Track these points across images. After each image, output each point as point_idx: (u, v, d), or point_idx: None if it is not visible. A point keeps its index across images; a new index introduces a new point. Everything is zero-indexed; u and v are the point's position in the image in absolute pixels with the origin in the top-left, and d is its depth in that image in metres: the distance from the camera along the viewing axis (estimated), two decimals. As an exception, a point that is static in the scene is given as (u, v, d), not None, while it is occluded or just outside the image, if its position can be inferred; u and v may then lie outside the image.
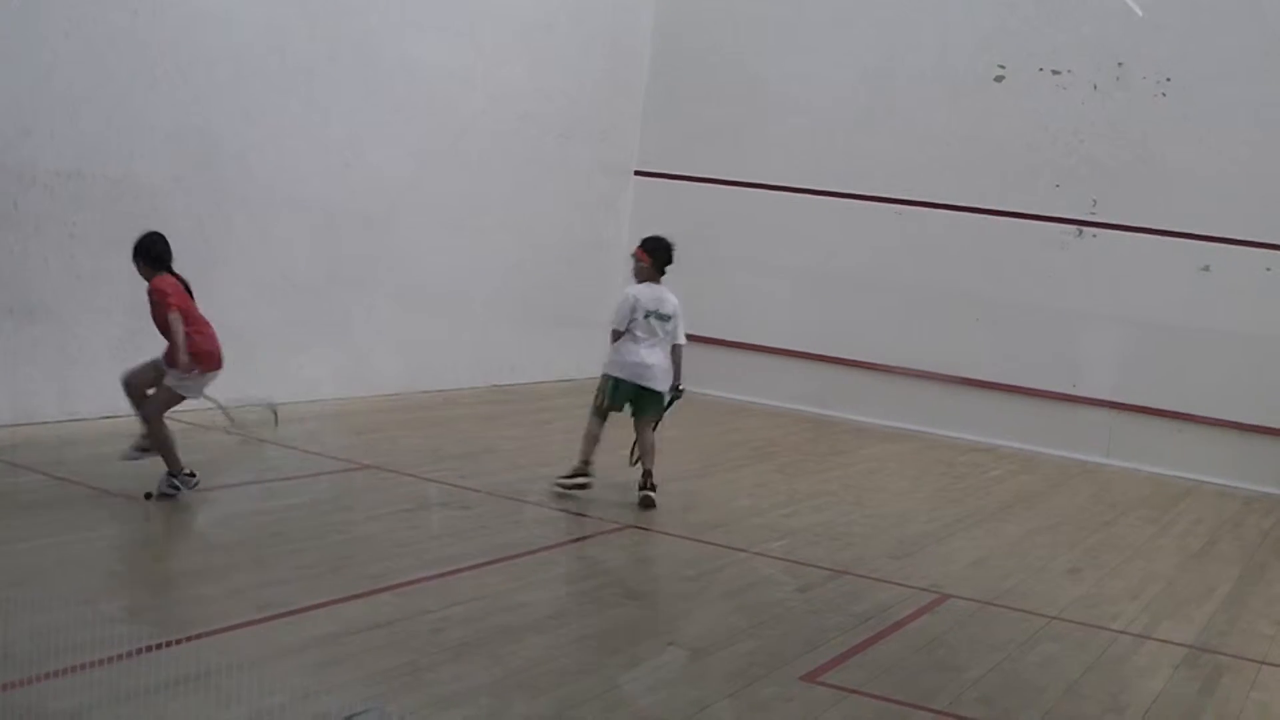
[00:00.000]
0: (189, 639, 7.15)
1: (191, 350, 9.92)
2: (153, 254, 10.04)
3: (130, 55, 12.48)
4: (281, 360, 14.07)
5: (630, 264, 12.37)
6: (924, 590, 9.85)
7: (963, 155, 17.75)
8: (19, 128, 11.66)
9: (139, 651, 6.90)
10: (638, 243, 12.46)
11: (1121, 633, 9.53)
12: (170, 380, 10.03)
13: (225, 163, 13.46)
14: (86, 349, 12.22)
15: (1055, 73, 17.34)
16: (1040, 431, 17.22)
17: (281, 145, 14.07)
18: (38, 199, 11.89)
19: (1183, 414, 16.76)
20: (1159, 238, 16.82)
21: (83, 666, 6.71)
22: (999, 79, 17.65)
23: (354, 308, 15.27)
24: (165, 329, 9.96)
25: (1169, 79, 16.86)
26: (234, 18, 13.43)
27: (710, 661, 7.96)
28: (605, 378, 12.03)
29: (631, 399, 12.01)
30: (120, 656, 6.84)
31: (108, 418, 12.12)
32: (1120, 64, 17.08)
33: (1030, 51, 17.51)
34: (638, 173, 19.98)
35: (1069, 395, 17.11)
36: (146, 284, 10.03)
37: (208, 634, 7.38)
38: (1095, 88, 17.20)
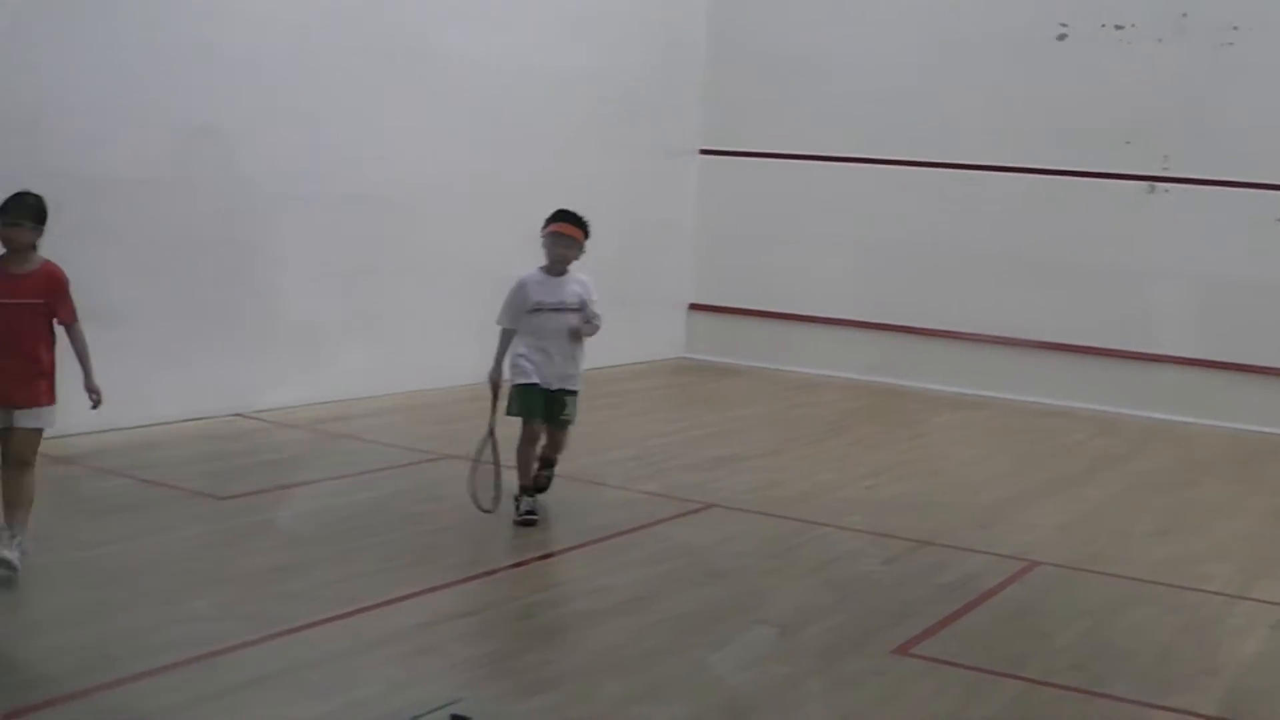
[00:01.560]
0: (277, 635, 7.19)
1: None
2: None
3: (192, 61, 12.53)
4: (354, 354, 14.13)
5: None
6: (1010, 558, 9.79)
7: (1028, 117, 17.56)
8: (90, 137, 11.73)
9: (229, 649, 6.95)
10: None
11: (1214, 594, 9.42)
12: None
13: (288, 160, 13.50)
14: (164, 352, 12.29)
15: (1118, 28, 17.16)
16: (1119, 392, 17.06)
17: (341, 139, 14.09)
18: (111, 206, 11.98)
19: (1264, 367, 16.58)
20: (1232, 190, 16.60)
21: (174, 665, 6.77)
22: (1061, 37, 17.49)
23: (424, 299, 15.27)
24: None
25: (1235, 27, 16.67)
26: (289, 17, 13.47)
27: (798, 637, 7.95)
28: None
29: None
30: (210, 654, 6.90)
31: (188, 420, 12.23)
32: (1184, 15, 16.89)
33: (1092, 8, 17.32)
34: (703, 151, 19.92)
35: (1147, 354, 16.93)
36: (36, 264, 8.38)
37: (296, 629, 7.43)
38: (1159, 41, 17.01)
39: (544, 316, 10.34)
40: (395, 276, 14.89)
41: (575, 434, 13.63)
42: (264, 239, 13.30)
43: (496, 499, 9.93)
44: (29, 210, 8.15)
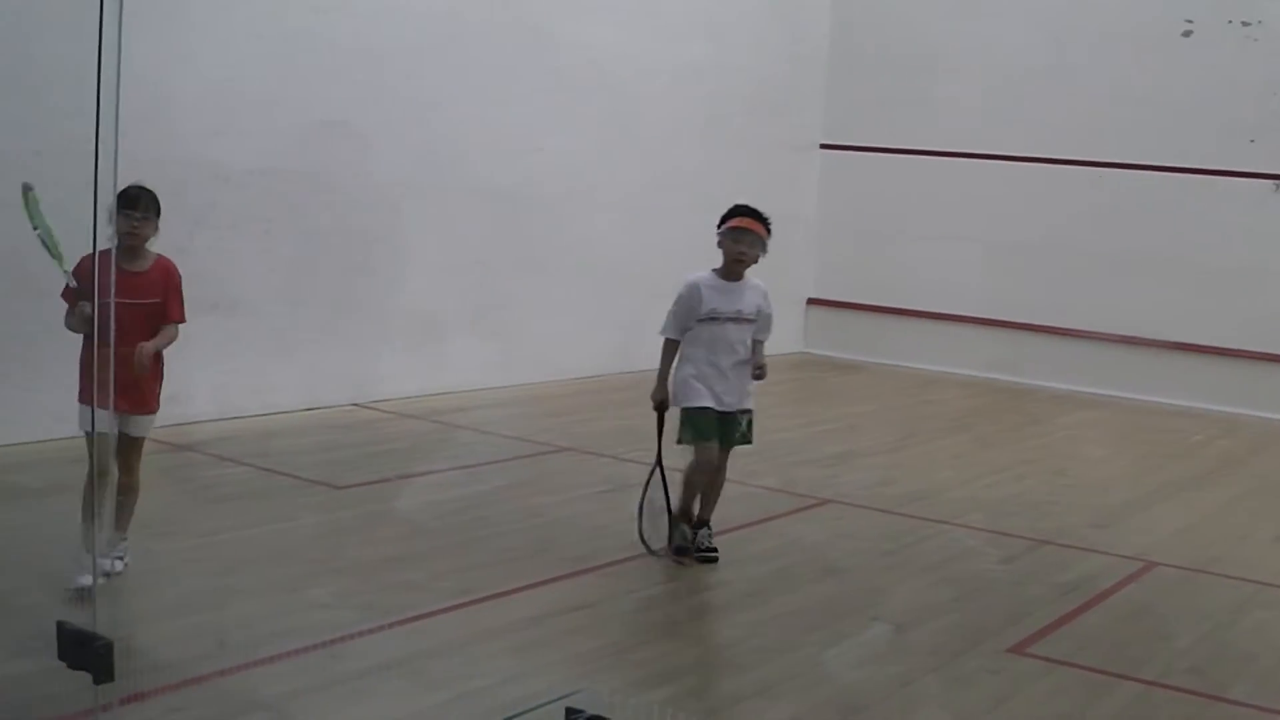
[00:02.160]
0: (394, 624, 7.24)
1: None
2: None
3: (313, 52, 12.66)
4: (473, 347, 14.22)
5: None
6: (1129, 559, 9.70)
7: (1151, 114, 17.36)
8: (211, 128, 11.88)
9: (346, 637, 7.01)
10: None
11: (1337, 597, 9.32)
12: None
13: (409, 152, 13.60)
14: (284, 342, 12.43)
15: (1245, 24, 16.95)
16: (1241, 393, 16.85)
17: (466, 131, 14.17)
18: (233, 197, 12.13)
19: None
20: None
21: (292, 653, 6.84)
22: (1187, 34, 17.29)
23: (543, 292, 15.34)
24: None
25: (1364, 24, 16.45)
26: (412, 8, 13.55)
27: (914, 635, 7.91)
28: None
29: None
30: (327, 642, 6.96)
31: (307, 410, 12.35)
32: (1313, 11, 16.66)
33: (1218, 4, 17.12)
34: (824, 146, 19.87)
35: (1271, 354, 16.70)
36: (150, 259, 8.02)
37: (413, 619, 7.48)
38: (1287, 38, 16.81)
39: (719, 327, 9.10)
40: (514, 268, 14.96)
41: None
42: (384, 230, 13.41)
43: (670, 541, 8.99)
44: (155, 203, 7.84)
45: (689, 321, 9.10)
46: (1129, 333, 17.33)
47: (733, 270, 9.31)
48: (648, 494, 9.03)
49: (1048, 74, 18.10)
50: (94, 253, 6.85)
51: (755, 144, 18.55)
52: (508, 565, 8.66)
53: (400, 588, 7.95)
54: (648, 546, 8.94)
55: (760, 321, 9.35)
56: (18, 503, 9.37)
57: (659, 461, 9.11)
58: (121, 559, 7.80)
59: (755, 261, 9.42)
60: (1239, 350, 16.87)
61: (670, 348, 9.20)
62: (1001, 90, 18.38)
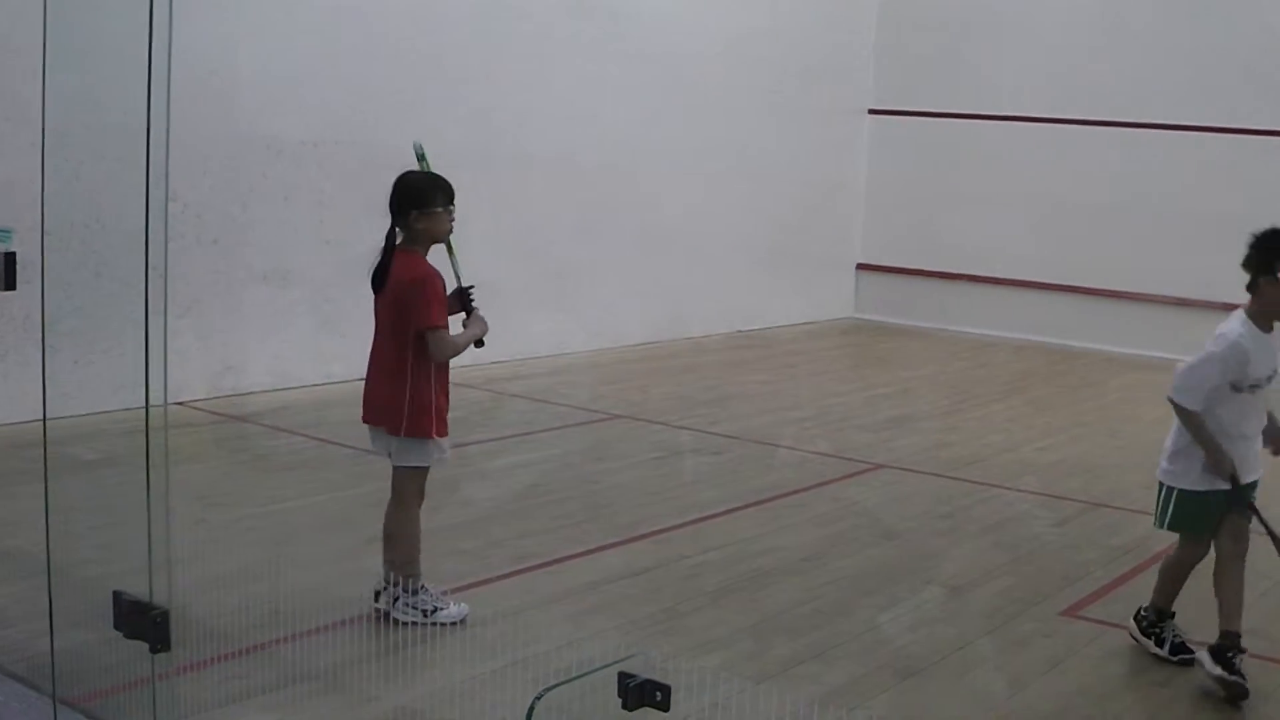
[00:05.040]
0: (451, 591, 7.27)
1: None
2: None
3: (362, 24, 12.70)
4: (528, 315, 14.25)
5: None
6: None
7: (1205, 73, 17.23)
8: (262, 99, 11.93)
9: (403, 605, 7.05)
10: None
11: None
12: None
13: (461, 121, 13.62)
14: (339, 312, 12.48)
15: (1300, -19, 16.83)
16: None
17: (521, 100, 14.20)
18: (286, 168, 12.22)
19: None
20: None
21: (349, 621, 6.90)
22: (1248, -9, 17.19)
23: (597, 260, 15.38)
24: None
25: None
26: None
27: (968, 599, 7.91)
28: None
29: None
30: (382, 612, 7.00)
31: (361, 379, 12.40)
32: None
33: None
34: (873, 111, 19.83)
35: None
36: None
37: (469, 586, 7.52)
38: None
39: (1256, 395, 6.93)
40: (568, 237, 15.00)
41: (749, 392, 13.67)
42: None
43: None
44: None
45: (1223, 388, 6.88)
46: (1181, 294, 17.20)
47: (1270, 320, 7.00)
48: None
49: (1098, 34, 18.00)
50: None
51: (805, 110, 18.55)
52: (562, 532, 8.70)
53: (456, 555, 7.99)
54: None
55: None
56: (75, 474, 9.43)
57: None
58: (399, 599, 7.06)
59: None
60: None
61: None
62: (1050, 52, 18.30)
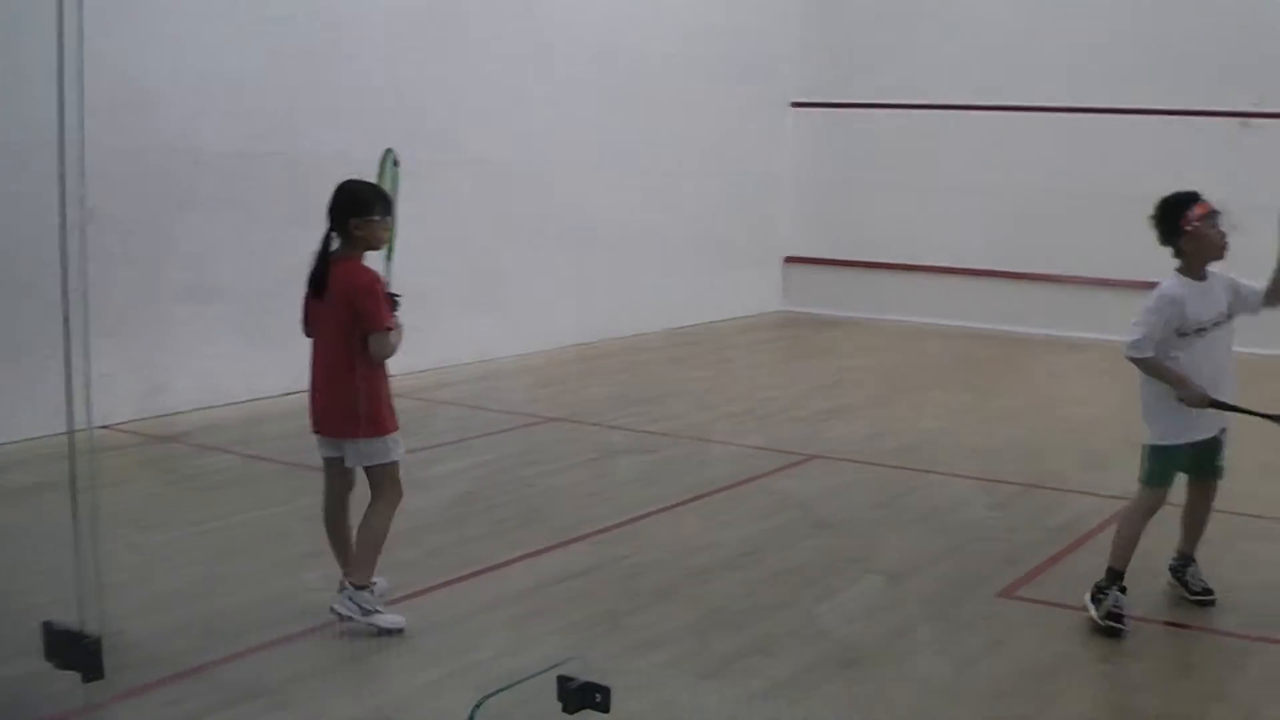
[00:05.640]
0: (390, 602, 7.24)
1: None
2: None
3: (291, 31, 12.61)
4: (458, 321, 14.18)
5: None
6: (1117, 498, 9.67)
7: (1131, 58, 17.37)
8: (188, 113, 11.84)
9: (343, 619, 7.01)
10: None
11: (1324, 526, 9.39)
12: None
13: (388, 126, 13.48)
14: (267, 326, 12.40)
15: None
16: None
17: (448, 104, 14.15)
18: (212, 181, 12.10)
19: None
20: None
21: (288, 638, 6.85)
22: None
23: (527, 263, 15.33)
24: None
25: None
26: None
27: (907, 586, 7.94)
28: None
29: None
30: (323, 625, 6.97)
31: (291, 394, 12.31)
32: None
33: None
34: (796, 104, 19.87)
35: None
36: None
37: (409, 596, 7.49)
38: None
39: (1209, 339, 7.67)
40: (500, 240, 14.94)
41: (683, 389, 13.68)
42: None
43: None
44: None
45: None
46: (1112, 276, 17.28)
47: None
48: None
49: (1023, 21, 18.14)
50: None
51: (730, 105, 18.59)
52: (500, 538, 8.68)
53: (394, 566, 7.93)
54: None
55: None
56: (9, 502, 9.36)
57: None
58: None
59: None
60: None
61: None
62: (974, 40, 18.44)
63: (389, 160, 7.47)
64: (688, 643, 6.97)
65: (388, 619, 7.00)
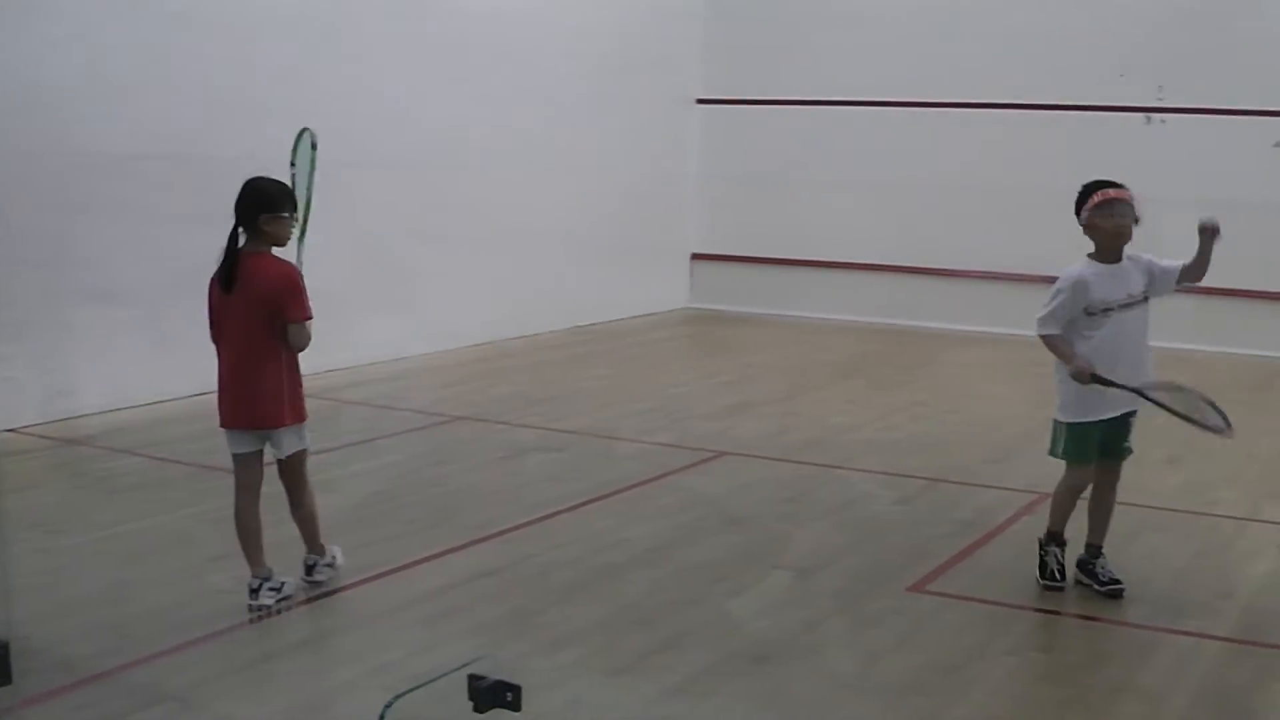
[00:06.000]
0: (300, 604, 7.23)
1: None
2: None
3: (185, 31, 12.53)
4: (363, 321, 14.14)
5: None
6: (1023, 491, 9.82)
7: (1027, 52, 17.54)
8: (86, 113, 11.74)
9: (249, 622, 6.99)
10: None
11: (1224, 517, 9.52)
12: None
13: (289, 126, 13.46)
14: (172, 328, 12.32)
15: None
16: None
17: (341, 104, 14.08)
18: (111, 183, 12.00)
19: (1268, 293, 16.60)
20: (1230, 117, 16.63)
21: (198, 640, 6.82)
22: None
23: (432, 262, 15.28)
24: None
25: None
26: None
27: (816, 580, 7.99)
28: None
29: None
30: (233, 628, 6.95)
31: (199, 395, 12.24)
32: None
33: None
34: (701, 100, 19.92)
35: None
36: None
37: (319, 598, 7.48)
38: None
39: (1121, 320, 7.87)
40: (404, 239, 14.87)
41: (589, 387, 13.70)
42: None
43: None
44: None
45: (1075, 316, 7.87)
46: (1015, 270, 17.44)
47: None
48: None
49: (924, 17, 18.24)
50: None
51: (635, 102, 18.62)
52: (410, 538, 8.65)
53: (303, 568, 7.93)
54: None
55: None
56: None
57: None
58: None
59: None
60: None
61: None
62: (876, 36, 18.55)
63: (306, 142, 7.68)
64: (598, 640, 6.99)
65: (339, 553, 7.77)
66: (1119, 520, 8.17)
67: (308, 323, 7.22)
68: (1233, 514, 9.60)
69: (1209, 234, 7.88)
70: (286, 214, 7.30)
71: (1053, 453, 7.99)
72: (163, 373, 12.29)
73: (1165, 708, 6.27)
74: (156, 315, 12.27)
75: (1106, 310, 7.80)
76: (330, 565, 7.67)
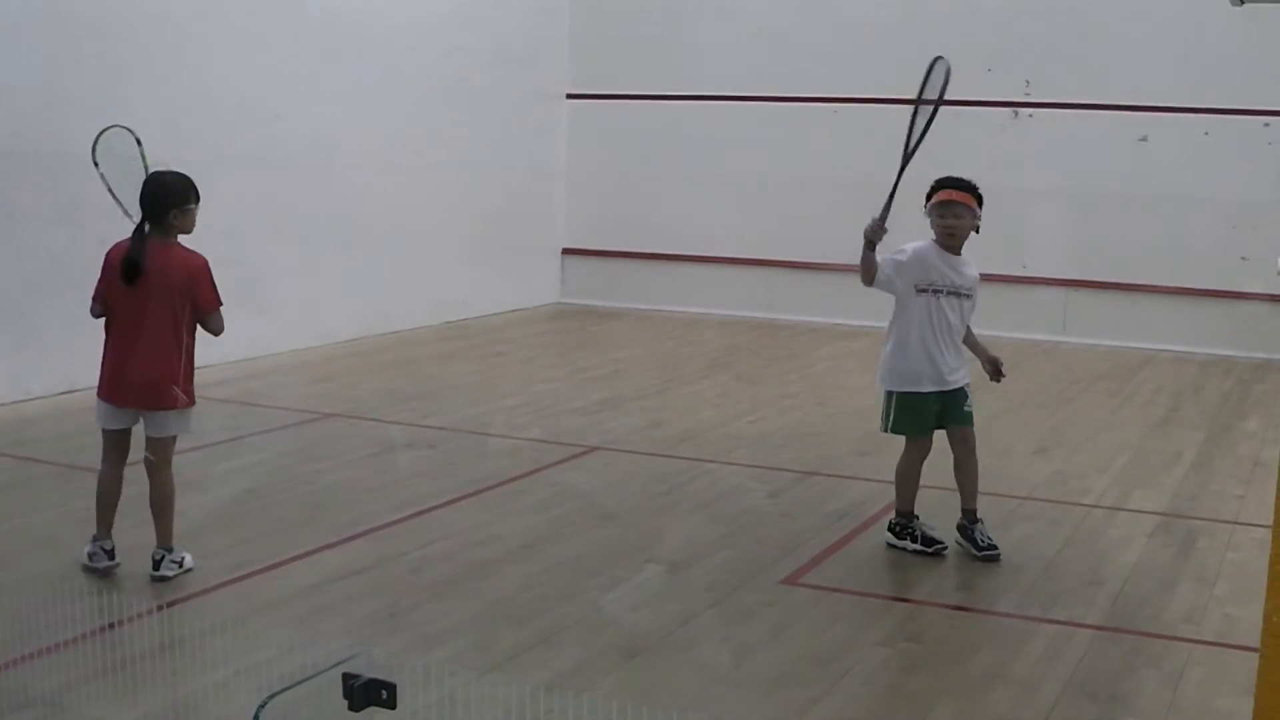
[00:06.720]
0: (169, 605, 7.15)
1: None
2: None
3: (48, 29, 12.35)
4: (232, 316, 13.96)
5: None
6: (893, 483, 9.87)
7: (893, 47, 17.61)
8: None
9: (119, 623, 6.91)
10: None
11: (1094, 507, 9.64)
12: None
13: (155, 127, 13.32)
14: (37, 327, 12.15)
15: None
16: (994, 315, 17.02)
17: (210, 104, 13.94)
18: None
19: (1134, 285, 16.83)
20: (1096, 112, 16.85)
21: (64, 644, 6.71)
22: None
23: (297, 259, 15.17)
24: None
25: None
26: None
27: (689, 574, 8.00)
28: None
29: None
30: (101, 629, 6.85)
31: (64, 393, 12.07)
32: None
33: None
34: (571, 95, 19.91)
35: (1021, 277, 17.11)
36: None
37: (187, 598, 7.41)
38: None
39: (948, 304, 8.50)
40: (267, 236, 14.74)
41: (460, 383, 13.66)
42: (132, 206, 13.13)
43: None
44: None
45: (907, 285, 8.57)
46: (880, 262, 17.51)
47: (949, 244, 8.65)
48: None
49: (792, 12, 18.32)
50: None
51: (503, 97, 18.57)
52: (280, 536, 8.59)
53: (151, 562, 7.83)
54: None
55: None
56: None
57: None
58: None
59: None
60: (989, 274, 17.07)
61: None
62: (745, 32, 18.62)
63: (109, 140, 8.71)
64: (472, 636, 6.97)
65: (189, 560, 7.86)
66: (989, 511, 8.28)
67: (220, 309, 8.05)
68: (1102, 503, 9.73)
69: (991, 372, 8.73)
70: (193, 205, 7.98)
71: (884, 428, 8.59)
72: (26, 372, 12.11)
73: (1037, 696, 6.34)
74: (19, 314, 12.10)
75: (936, 291, 8.41)
76: (178, 564, 7.76)
